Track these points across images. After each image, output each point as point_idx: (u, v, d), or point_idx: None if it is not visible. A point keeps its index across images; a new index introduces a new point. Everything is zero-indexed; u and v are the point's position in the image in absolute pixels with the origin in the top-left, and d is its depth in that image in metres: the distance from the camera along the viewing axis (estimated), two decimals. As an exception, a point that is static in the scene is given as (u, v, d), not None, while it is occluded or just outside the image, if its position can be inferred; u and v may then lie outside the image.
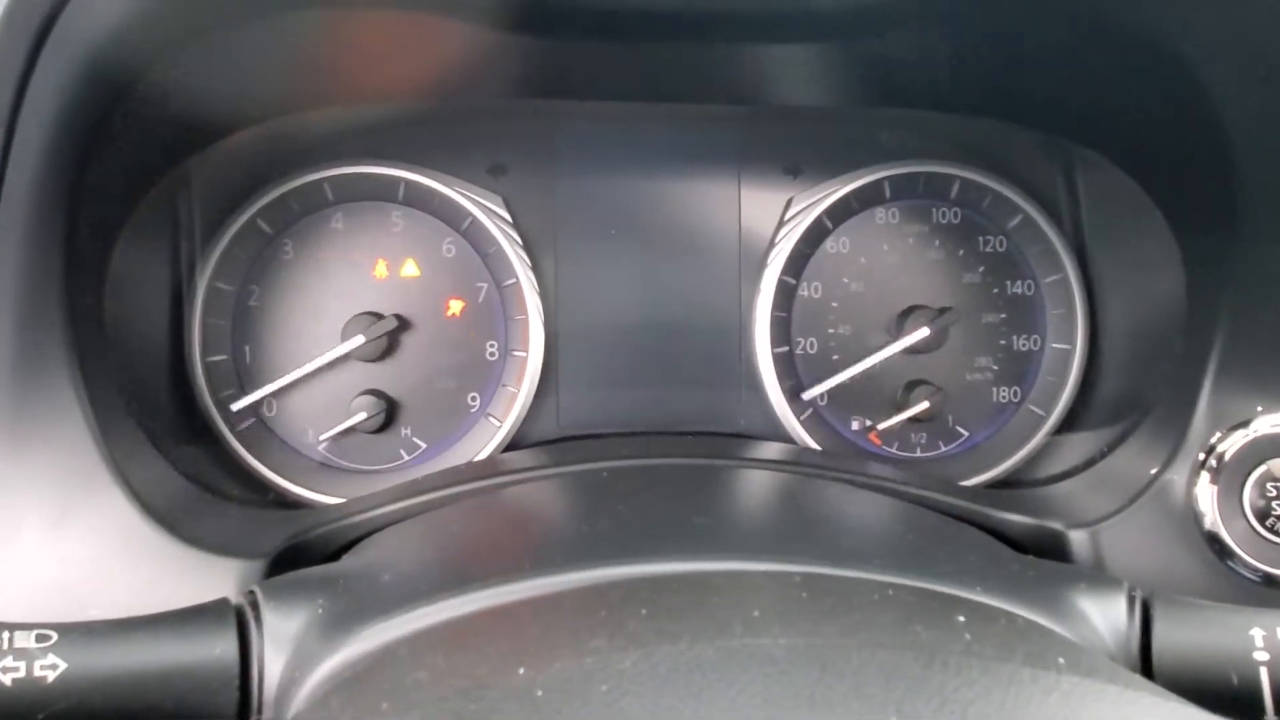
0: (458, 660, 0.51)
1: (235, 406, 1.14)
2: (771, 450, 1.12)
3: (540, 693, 0.44)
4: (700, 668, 0.45)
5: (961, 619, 0.55)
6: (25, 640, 0.59)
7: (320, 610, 0.65)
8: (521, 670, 0.47)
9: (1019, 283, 1.23)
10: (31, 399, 0.82)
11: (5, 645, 0.59)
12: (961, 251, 1.23)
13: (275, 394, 1.15)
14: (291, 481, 1.15)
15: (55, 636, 0.60)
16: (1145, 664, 0.68)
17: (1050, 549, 0.94)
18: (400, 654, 0.56)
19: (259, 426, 1.15)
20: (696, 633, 0.49)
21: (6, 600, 0.78)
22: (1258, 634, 0.67)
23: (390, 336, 1.15)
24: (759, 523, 0.81)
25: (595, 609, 0.55)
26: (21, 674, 0.58)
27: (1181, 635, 0.68)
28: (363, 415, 1.14)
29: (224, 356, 1.15)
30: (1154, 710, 0.45)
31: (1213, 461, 0.94)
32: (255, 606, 0.66)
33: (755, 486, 0.92)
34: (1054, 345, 1.23)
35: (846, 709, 0.42)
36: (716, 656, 0.46)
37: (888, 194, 1.23)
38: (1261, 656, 0.66)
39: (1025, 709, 0.43)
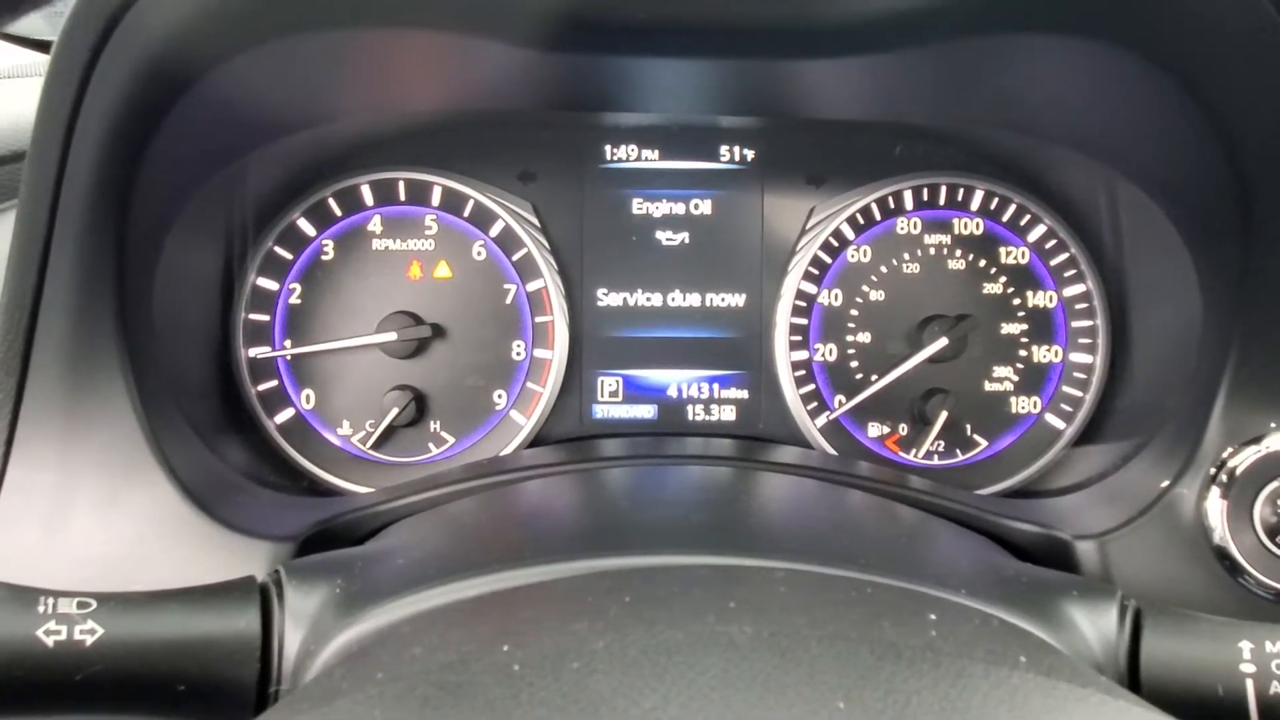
0: (450, 638, 0.55)
1: (252, 353, 1.19)
2: (785, 454, 1.15)
3: (517, 668, 0.47)
4: (667, 650, 0.48)
5: (933, 617, 0.57)
6: (67, 606, 0.64)
7: (338, 590, 0.69)
8: (505, 648, 0.50)
9: (1040, 294, 1.24)
10: (84, 388, 0.88)
11: (49, 610, 0.64)
12: (983, 262, 1.24)
13: (312, 389, 1.21)
14: (325, 471, 1.20)
15: (94, 604, 0.65)
16: (1133, 673, 0.69)
17: (1057, 559, 0.94)
18: (402, 631, 0.60)
19: (296, 419, 1.21)
20: (671, 619, 0.52)
21: (58, 573, 0.84)
22: (1245, 646, 0.67)
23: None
24: (758, 522, 0.83)
25: (583, 596, 0.58)
26: (63, 637, 0.63)
27: (1170, 645, 0.68)
28: (395, 410, 1.19)
29: (265, 351, 1.21)
30: (1100, 708, 0.47)
31: (1224, 476, 0.94)
32: (279, 585, 0.70)
33: (762, 488, 0.95)
34: (1075, 358, 1.24)
35: (797, 693, 0.44)
36: (684, 641, 0.49)
37: (909, 204, 1.24)
38: (1248, 669, 0.66)
39: (969, 700, 0.45)
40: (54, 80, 0.84)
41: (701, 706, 0.43)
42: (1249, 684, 0.66)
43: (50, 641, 0.63)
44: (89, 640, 0.63)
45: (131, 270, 0.93)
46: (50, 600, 0.64)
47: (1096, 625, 0.70)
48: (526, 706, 0.44)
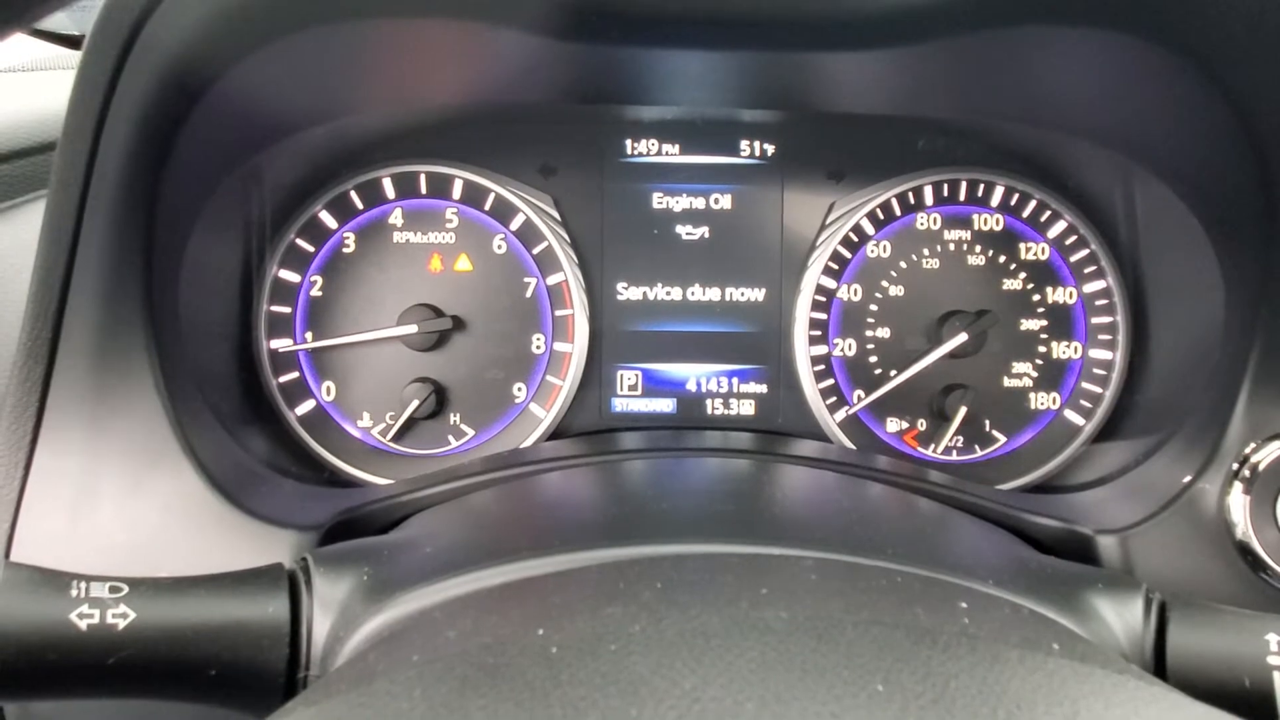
0: (484, 622, 0.56)
1: (274, 344, 1.20)
2: (806, 448, 1.15)
3: (554, 650, 0.47)
4: (704, 634, 0.48)
5: (964, 605, 0.57)
6: (100, 591, 0.64)
7: (365, 577, 0.69)
8: (540, 631, 0.51)
9: (1060, 290, 1.24)
10: (112, 379, 0.89)
11: (82, 594, 0.64)
12: (1002, 258, 1.24)
13: (333, 381, 1.22)
14: (346, 462, 1.21)
15: (126, 589, 0.65)
16: (1159, 665, 0.69)
17: (1079, 553, 0.94)
18: (434, 616, 0.61)
19: (317, 411, 1.22)
20: (705, 604, 0.52)
21: (84, 558, 0.85)
22: (1273, 639, 0.67)
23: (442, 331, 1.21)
24: (783, 513, 0.83)
25: (614, 582, 0.58)
26: (96, 621, 0.63)
27: (1196, 638, 0.68)
28: (416, 403, 1.20)
29: (287, 344, 1.21)
30: (1135, 694, 0.47)
31: (1246, 471, 0.94)
32: (307, 572, 0.70)
33: (785, 480, 0.95)
34: (1094, 354, 1.24)
35: (836, 676, 0.45)
36: (720, 625, 0.49)
37: (929, 200, 1.24)
38: (1275, 661, 0.66)
39: (1007, 684, 0.45)
40: (82, 85, 0.86)
41: (741, 688, 0.43)
42: (1277, 676, 0.66)
43: (83, 625, 0.63)
44: (121, 624, 0.64)
45: (157, 262, 0.94)
46: (82, 584, 0.65)
47: (1122, 617, 0.70)
48: (566, 686, 0.44)
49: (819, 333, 1.24)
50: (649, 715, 0.42)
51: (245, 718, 0.68)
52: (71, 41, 1.46)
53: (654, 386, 1.27)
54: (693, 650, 0.47)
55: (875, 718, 0.41)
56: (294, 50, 0.96)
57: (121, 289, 0.89)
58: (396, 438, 1.22)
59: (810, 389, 1.24)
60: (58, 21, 1.44)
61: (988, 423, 1.24)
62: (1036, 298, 1.24)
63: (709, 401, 1.26)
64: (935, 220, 1.25)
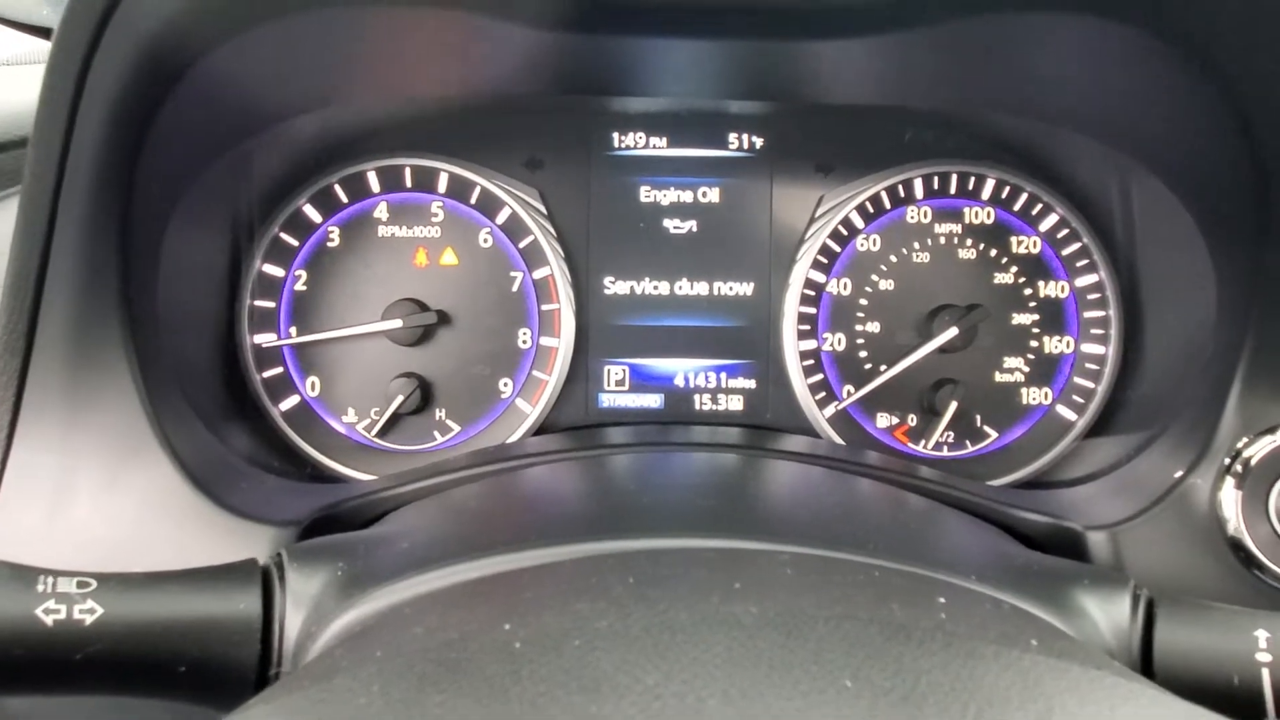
0: (451, 618, 0.55)
1: (257, 339, 1.19)
2: (793, 443, 1.14)
3: (518, 645, 0.46)
4: (670, 629, 0.47)
5: (942, 600, 0.56)
6: (67, 586, 0.63)
7: (339, 573, 0.68)
8: (506, 626, 0.50)
9: (1051, 284, 1.23)
10: (88, 372, 0.88)
11: (48, 589, 0.63)
12: (994, 252, 1.23)
13: (317, 377, 1.21)
14: (329, 458, 1.20)
15: (94, 584, 0.64)
16: (1146, 662, 0.68)
17: (1069, 549, 0.93)
18: (404, 612, 0.60)
19: (301, 406, 1.21)
20: (675, 599, 0.51)
21: (61, 554, 0.83)
22: (1261, 635, 0.66)
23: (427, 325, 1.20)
24: (764, 507, 0.82)
25: (586, 577, 0.57)
26: (62, 616, 0.62)
27: (1184, 634, 0.67)
28: (400, 398, 1.19)
29: (271, 339, 1.20)
30: (1112, 690, 0.46)
31: (1238, 467, 0.93)
32: (280, 567, 0.69)
33: (769, 475, 0.94)
34: (1086, 349, 1.22)
35: (803, 672, 0.44)
36: (688, 620, 0.48)
37: (919, 193, 1.23)
38: (1264, 658, 0.65)
39: (980, 680, 0.44)
40: (54, 70, 0.85)
41: (705, 684, 0.42)
42: (1265, 673, 0.65)
43: (50, 620, 0.62)
44: (88, 620, 0.63)
45: (135, 254, 0.93)
46: (50, 579, 0.64)
47: (1109, 614, 0.69)
48: (526, 683, 0.43)
49: (808, 327, 1.23)
50: (609, 712, 0.41)
51: (219, 715, 0.67)
52: (50, 34, 1.45)
53: (641, 382, 1.25)
54: (657, 645, 0.46)
55: (842, 713, 0.40)
56: (276, 36, 0.95)
57: (97, 281, 0.88)
58: (381, 433, 1.21)
59: (799, 384, 1.23)
60: (40, 15, 1.43)
61: (979, 418, 1.23)
62: (1028, 292, 1.23)
63: (697, 397, 1.25)
64: (925, 214, 1.23)
